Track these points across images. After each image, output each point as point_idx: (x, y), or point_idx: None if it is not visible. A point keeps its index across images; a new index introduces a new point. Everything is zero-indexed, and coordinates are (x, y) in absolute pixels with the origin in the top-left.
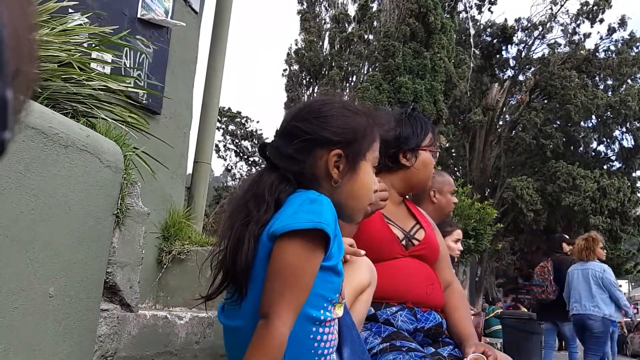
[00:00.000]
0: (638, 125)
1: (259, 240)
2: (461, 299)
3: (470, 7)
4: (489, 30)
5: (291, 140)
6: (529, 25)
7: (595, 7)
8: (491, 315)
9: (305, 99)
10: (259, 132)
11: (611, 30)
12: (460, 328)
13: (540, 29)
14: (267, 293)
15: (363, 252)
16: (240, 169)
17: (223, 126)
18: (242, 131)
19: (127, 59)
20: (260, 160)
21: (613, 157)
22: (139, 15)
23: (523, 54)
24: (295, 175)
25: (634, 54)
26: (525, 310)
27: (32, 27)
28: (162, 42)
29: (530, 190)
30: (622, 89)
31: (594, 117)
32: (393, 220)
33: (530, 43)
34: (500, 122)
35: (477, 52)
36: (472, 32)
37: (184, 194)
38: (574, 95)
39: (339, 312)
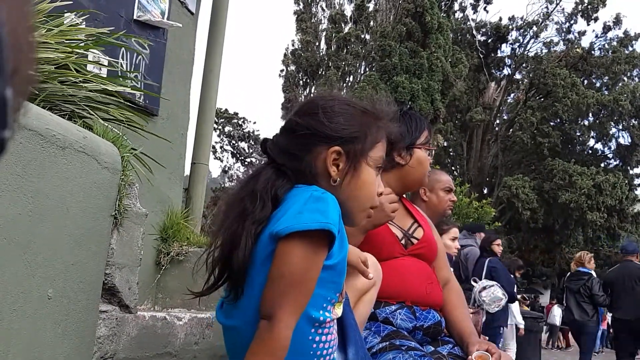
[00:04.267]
0: (634, 122)
1: (259, 239)
2: (460, 297)
3: (466, 7)
4: (482, 29)
5: (290, 135)
6: (524, 24)
7: (590, 6)
8: None
9: (303, 100)
10: (255, 133)
11: (606, 29)
12: (461, 326)
13: (535, 27)
14: (270, 294)
15: (372, 275)
16: (237, 170)
17: (219, 127)
18: (239, 132)
19: (123, 61)
20: (257, 160)
21: (610, 155)
22: (135, 17)
23: (518, 52)
24: (293, 172)
25: (627, 52)
26: (527, 308)
27: (30, 27)
28: (158, 44)
29: (526, 189)
30: (617, 87)
31: (590, 115)
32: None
33: (525, 42)
34: (497, 121)
35: (474, 51)
36: (473, 25)
37: (182, 195)
38: (564, 94)
39: (338, 311)
